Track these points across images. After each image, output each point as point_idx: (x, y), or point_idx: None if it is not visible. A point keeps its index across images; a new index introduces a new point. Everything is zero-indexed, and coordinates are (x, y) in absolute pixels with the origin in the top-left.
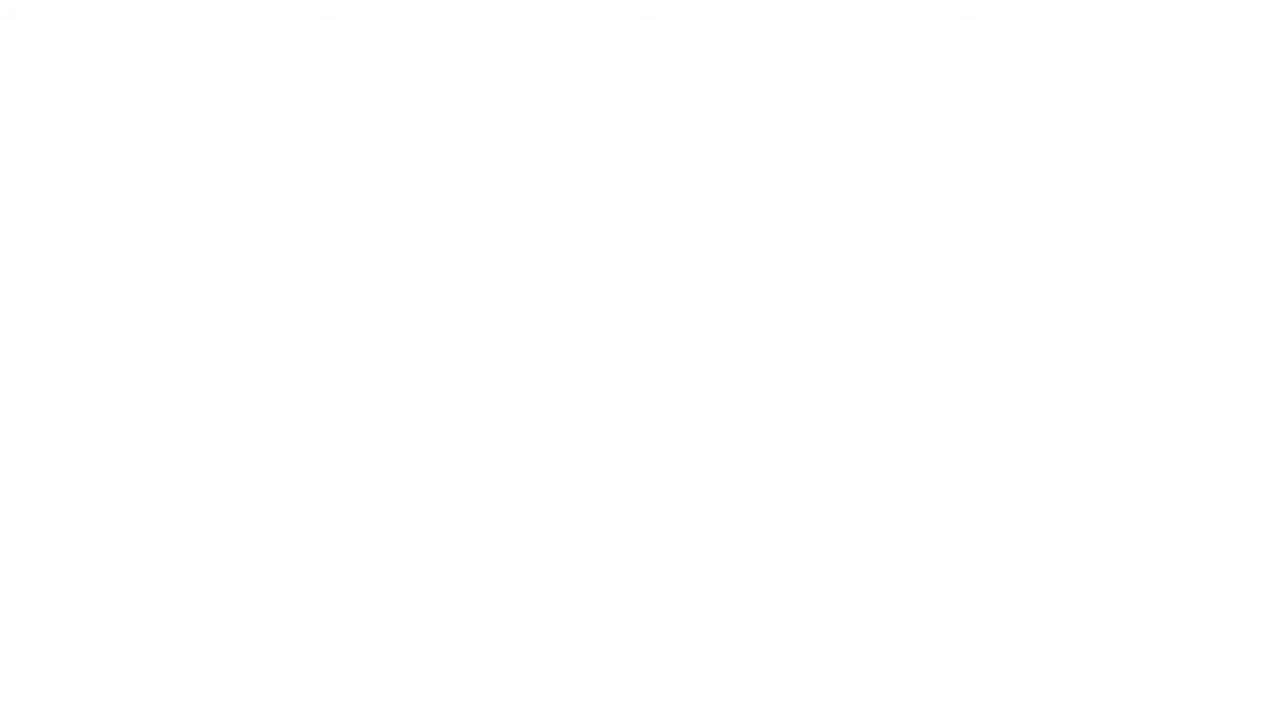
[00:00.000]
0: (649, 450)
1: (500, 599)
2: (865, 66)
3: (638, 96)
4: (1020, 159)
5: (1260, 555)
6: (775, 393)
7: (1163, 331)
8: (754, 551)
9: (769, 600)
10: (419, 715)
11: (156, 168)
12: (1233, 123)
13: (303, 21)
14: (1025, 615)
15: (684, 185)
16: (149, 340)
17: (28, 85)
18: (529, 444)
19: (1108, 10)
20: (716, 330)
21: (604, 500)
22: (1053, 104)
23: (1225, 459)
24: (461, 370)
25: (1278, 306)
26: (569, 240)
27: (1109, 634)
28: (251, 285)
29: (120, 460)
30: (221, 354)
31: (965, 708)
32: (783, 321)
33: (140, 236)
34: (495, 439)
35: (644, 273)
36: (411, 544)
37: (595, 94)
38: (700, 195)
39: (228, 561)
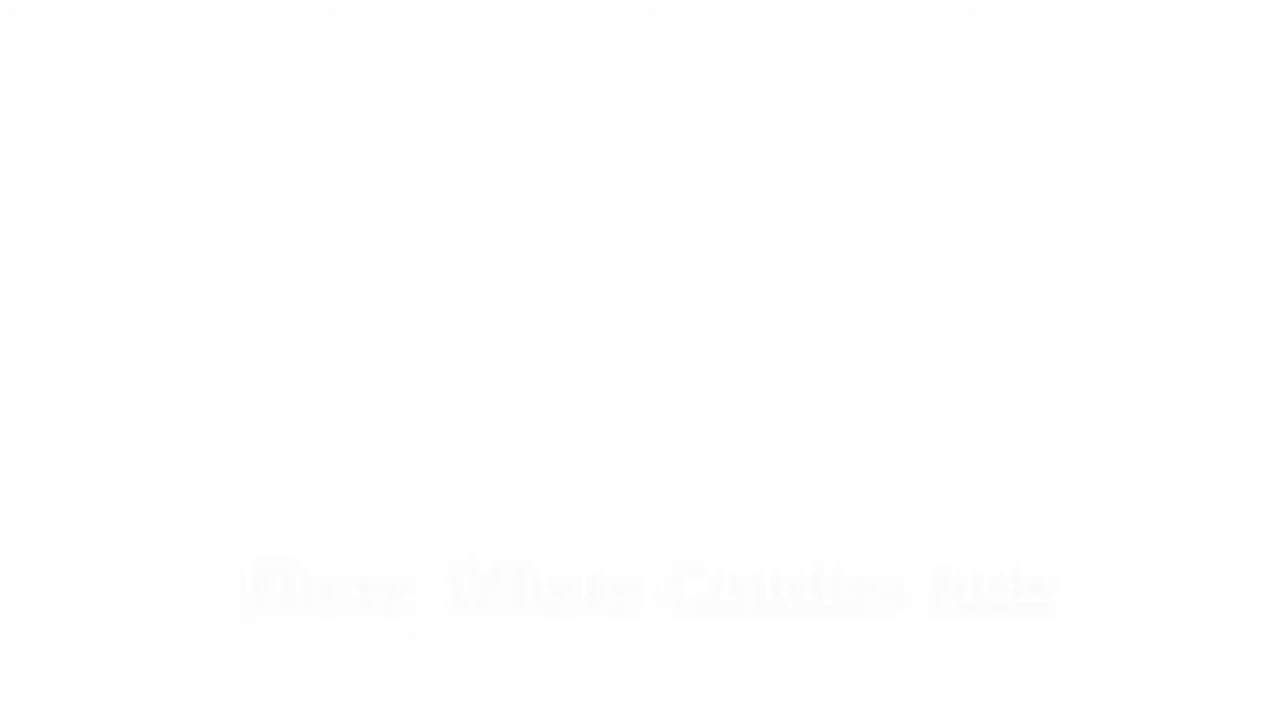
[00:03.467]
0: (648, 449)
1: (499, 597)
2: (867, 64)
3: (638, 95)
4: (1022, 157)
5: (1260, 555)
6: (774, 392)
7: (1163, 331)
8: (751, 549)
9: (765, 598)
10: (419, 715)
11: (157, 166)
12: (1233, 122)
13: (303, 20)
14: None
15: (685, 184)
16: (149, 339)
17: (28, 84)
18: (528, 443)
19: (1110, 8)
20: (716, 329)
21: (602, 499)
22: (1056, 101)
23: (1225, 458)
24: (461, 369)
25: (1278, 307)
26: (569, 239)
27: (1107, 633)
28: (251, 284)
29: (120, 459)
30: (221, 353)
31: (964, 707)
32: (782, 321)
33: (140, 235)
34: (495, 438)
35: (644, 272)
36: (411, 542)
37: (596, 91)
38: (701, 194)
39: (227, 560)
